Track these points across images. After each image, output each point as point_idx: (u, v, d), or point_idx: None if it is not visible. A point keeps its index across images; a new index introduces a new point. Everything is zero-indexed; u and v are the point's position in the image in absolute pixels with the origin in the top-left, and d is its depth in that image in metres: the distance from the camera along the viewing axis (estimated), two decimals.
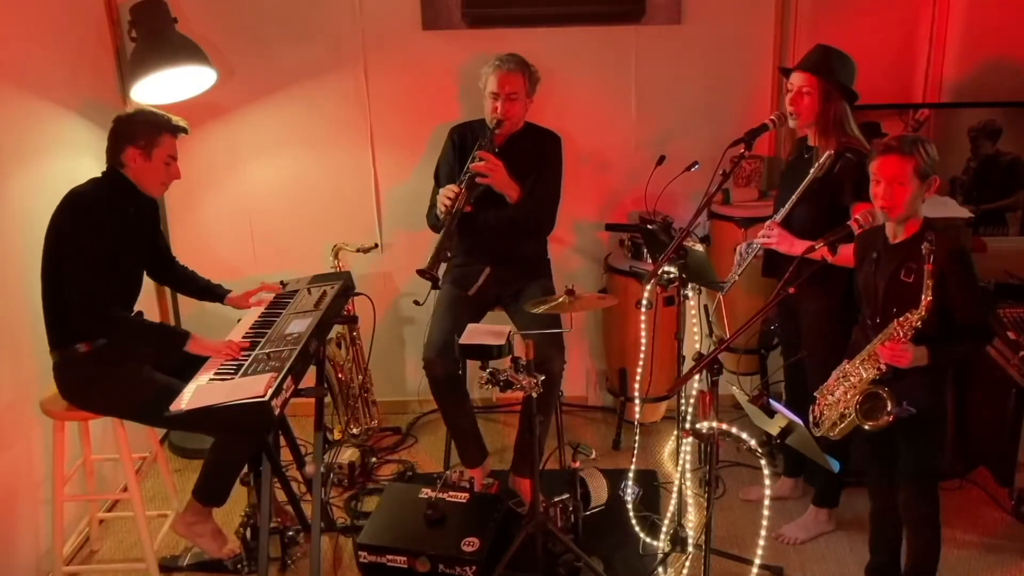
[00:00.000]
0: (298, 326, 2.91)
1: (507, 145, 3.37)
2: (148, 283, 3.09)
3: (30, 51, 3.08)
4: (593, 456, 3.23)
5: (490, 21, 3.69)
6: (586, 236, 3.99)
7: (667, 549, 3.04)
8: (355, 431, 3.89)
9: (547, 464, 3.35)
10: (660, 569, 2.99)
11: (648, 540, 3.18)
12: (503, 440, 3.95)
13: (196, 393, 2.58)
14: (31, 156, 3.07)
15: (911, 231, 2.52)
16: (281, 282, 3.33)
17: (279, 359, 2.70)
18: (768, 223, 2.95)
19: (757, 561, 2.75)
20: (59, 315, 2.76)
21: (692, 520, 3.13)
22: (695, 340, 3.13)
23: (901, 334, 2.43)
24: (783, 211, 2.91)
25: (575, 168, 3.68)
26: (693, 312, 3.10)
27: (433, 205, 3.42)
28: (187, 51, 3.36)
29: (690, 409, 3.11)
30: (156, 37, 3.33)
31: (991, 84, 3.66)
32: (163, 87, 3.37)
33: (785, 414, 2.37)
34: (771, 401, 2.42)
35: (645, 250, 3.61)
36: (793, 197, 2.86)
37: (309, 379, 2.88)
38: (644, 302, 3.15)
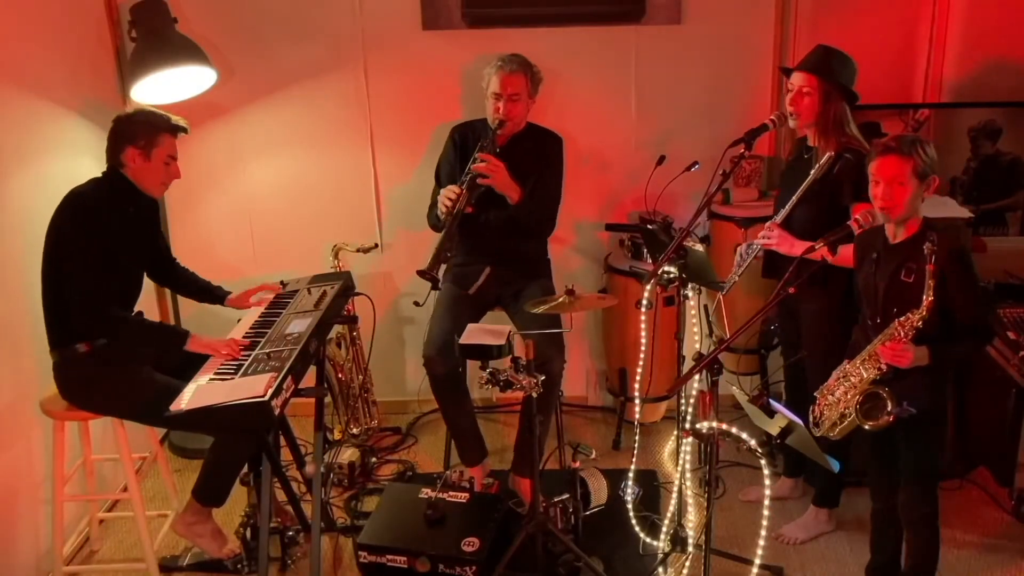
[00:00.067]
0: (298, 326, 2.91)
1: (509, 145, 3.37)
2: (148, 283, 3.09)
3: (30, 51, 3.08)
4: (593, 456, 3.23)
5: (490, 21, 3.69)
6: (586, 236, 3.99)
7: (667, 549, 3.04)
8: (355, 431, 3.89)
9: (547, 464, 3.35)
10: (660, 569, 2.99)
11: (648, 540, 3.18)
12: (503, 440, 3.95)
13: (196, 393, 2.58)
14: (31, 156, 3.07)
15: (911, 231, 2.52)
16: (281, 282, 3.33)
17: (279, 359, 2.70)
18: (768, 224, 2.95)
19: (757, 561, 2.75)
20: (59, 315, 2.76)
21: (692, 520, 3.13)
22: (695, 340, 3.13)
23: (902, 334, 2.43)
24: (783, 212, 2.91)
25: (575, 168, 3.68)
26: (693, 312, 3.10)
27: (434, 205, 3.42)
28: (187, 51, 3.36)
29: (690, 409, 3.11)
30: (156, 37, 3.33)
31: (991, 84, 3.66)
32: (163, 87, 3.37)
33: (785, 414, 2.37)
34: (771, 401, 2.42)
35: (645, 250, 3.61)
36: (793, 198, 2.86)
37: (309, 379, 2.88)
38: (644, 302, 3.15)
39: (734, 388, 2.90)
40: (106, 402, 2.83)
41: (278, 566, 3.09)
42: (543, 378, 2.74)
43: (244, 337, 2.91)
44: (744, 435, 2.56)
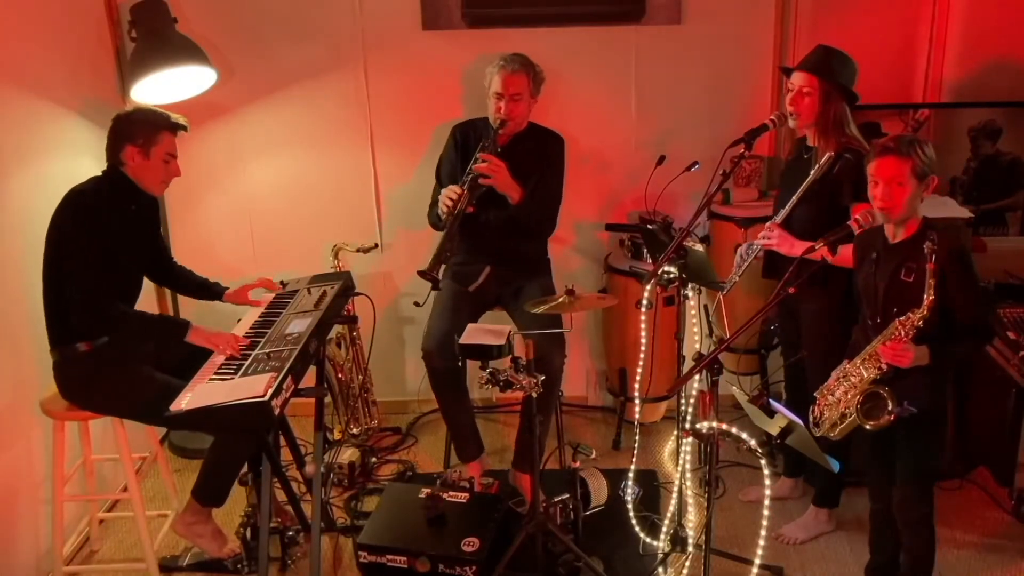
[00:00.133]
0: (298, 326, 2.91)
1: (510, 145, 3.37)
2: (148, 283, 3.09)
3: (30, 51, 3.08)
4: (593, 456, 3.23)
5: (490, 21, 3.69)
6: (586, 236, 3.99)
7: (667, 549, 3.04)
8: (355, 431, 3.89)
9: (547, 464, 3.35)
10: (660, 569, 2.99)
11: (648, 540, 3.18)
12: (503, 440, 3.95)
13: (196, 393, 2.58)
14: (31, 156, 3.07)
15: (911, 231, 2.52)
16: (281, 282, 3.32)
17: (279, 359, 2.69)
18: (768, 224, 2.95)
19: (757, 561, 2.75)
20: (60, 314, 2.76)
21: (692, 520, 3.13)
22: (695, 340, 3.13)
23: (902, 333, 2.43)
24: (783, 212, 2.91)
25: (575, 168, 3.67)
26: (693, 312, 3.10)
27: (434, 203, 3.42)
28: (187, 51, 3.36)
29: (690, 409, 3.11)
30: (156, 37, 3.33)
31: (991, 84, 3.67)
32: (163, 87, 3.37)
33: (785, 414, 2.37)
34: (771, 401, 2.42)
35: (645, 250, 3.61)
36: (793, 198, 2.86)
37: (309, 379, 2.88)
38: (644, 302, 3.15)
39: (734, 388, 2.90)
40: (106, 401, 2.83)
41: (278, 566, 3.09)
42: (543, 378, 2.74)
43: (244, 337, 2.91)
44: (744, 435, 2.56)
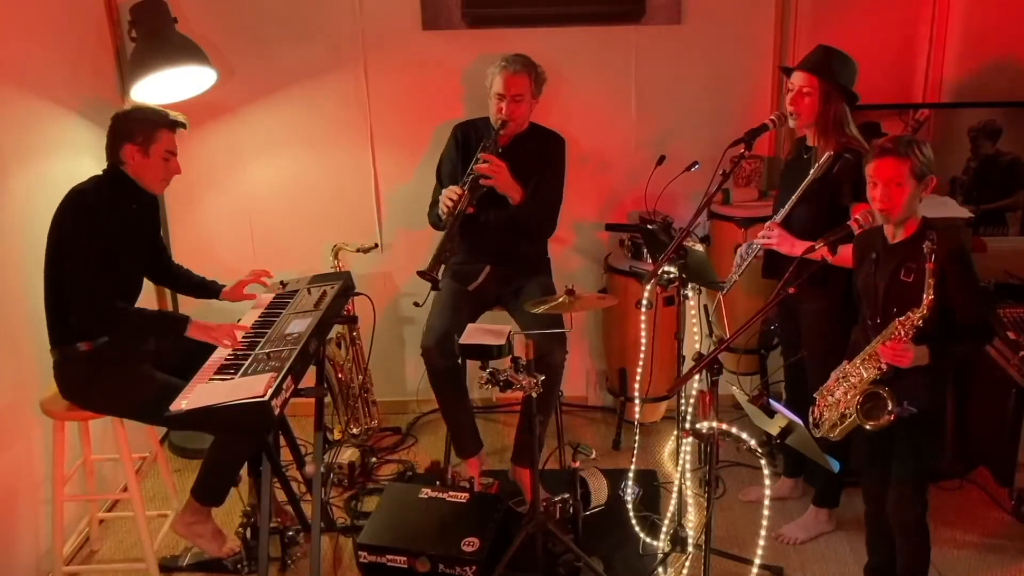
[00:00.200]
0: (298, 326, 2.91)
1: (511, 146, 3.37)
2: (148, 283, 3.09)
3: (30, 51, 3.08)
4: (593, 456, 3.24)
5: (490, 21, 3.69)
6: (586, 236, 3.99)
7: (667, 549, 3.04)
8: (355, 431, 3.89)
9: (547, 464, 3.35)
10: (660, 569, 2.99)
11: (648, 540, 3.18)
12: (503, 440, 3.95)
13: (196, 393, 2.58)
14: (31, 156, 3.07)
15: (910, 231, 2.53)
16: (281, 282, 3.32)
17: (279, 359, 2.69)
18: (768, 224, 2.95)
19: (757, 561, 2.75)
20: (60, 313, 2.76)
21: (692, 520, 3.13)
22: (695, 340, 3.13)
23: (902, 333, 2.43)
24: (783, 211, 2.91)
25: (575, 168, 3.67)
26: (693, 312, 3.10)
27: (435, 203, 3.42)
28: (187, 51, 3.36)
29: (690, 409, 3.11)
30: (156, 37, 3.33)
31: (991, 84, 3.67)
32: (163, 87, 3.37)
33: (785, 414, 2.37)
34: (771, 401, 2.42)
35: (645, 250, 3.61)
36: (793, 198, 2.86)
37: (309, 379, 2.88)
38: (644, 302, 3.15)
39: (734, 388, 2.90)
40: (106, 401, 2.83)
41: (278, 566, 3.09)
42: (543, 377, 2.74)
43: (244, 337, 2.91)
44: (744, 435, 2.56)
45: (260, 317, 3.08)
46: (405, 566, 2.91)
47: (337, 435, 3.87)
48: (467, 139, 3.46)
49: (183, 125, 2.88)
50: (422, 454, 3.87)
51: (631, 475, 3.42)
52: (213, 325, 2.84)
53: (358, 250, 3.76)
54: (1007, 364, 3.11)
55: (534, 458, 2.87)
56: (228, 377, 2.66)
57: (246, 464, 2.95)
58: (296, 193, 3.92)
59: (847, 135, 2.88)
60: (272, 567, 3.05)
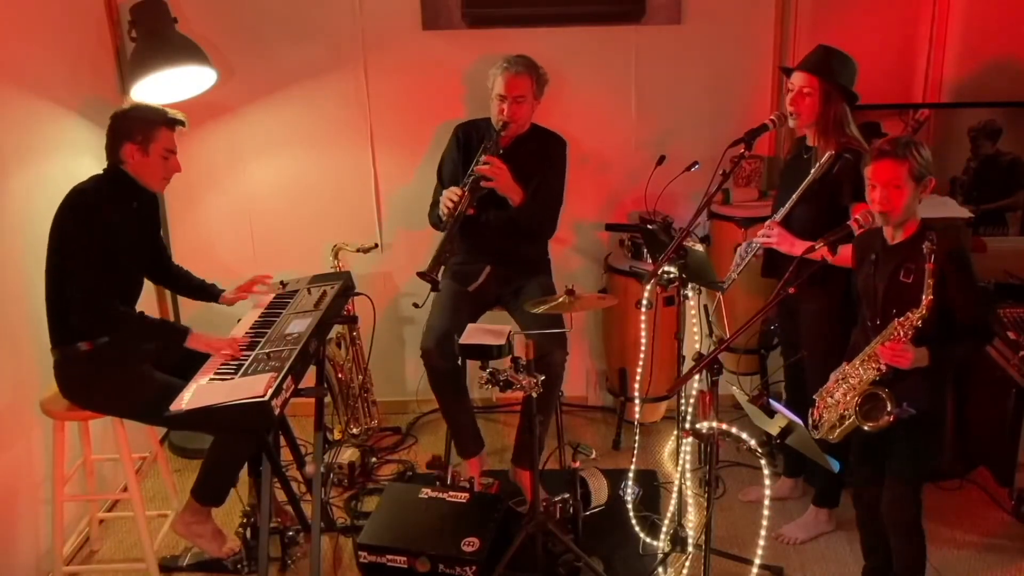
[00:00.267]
0: (298, 326, 2.91)
1: (512, 147, 3.37)
2: (148, 284, 3.09)
3: (30, 51, 3.08)
4: (593, 456, 3.23)
5: (490, 21, 3.69)
6: (586, 236, 3.99)
7: (667, 549, 3.04)
8: (355, 431, 3.89)
9: (547, 464, 3.35)
10: (660, 569, 2.99)
11: (648, 540, 3.18)
12: (503, 440, 3.95)
13: (196, 393, 2.58)
14: (31, 156, 3.07)
15: (909, 232, 2.53)
16: (281, 282, 3.32)
17: (279, 359, 2.70)
18: (768, 223, 2.95)
19: (757, 561, 2.75)
20: (61, 313, 2.76)
21: (692, 520, 3.13)
22: (695, 340, 3.13)
23: (901, 334, 2.43)
24: (783, 211, 2.91)
25: (575, 168, 3.67)
26: (693, 312, 3.10)
27: (436, 203, 3.42)
28: (187, 51, 3.36)
29: (690, 409, 3.11)
30: (156, 37, 3.33)
31: (991, 84, 3.67)
32: (163, 87, 3.37)
33: (785, 414, 2.37)
34: (771, 401, 2.42)
35: (645, 250, 3.61)
36: (793, 197, 2.87)
37: (309, 379, 2.88)
38: (644, 302, 3.15)
39: (734, 388, 2.90)
40: (106, 401, 2.83)
41: (278, 566, 3.09)
42: (543, 377, 2.74)
43: (244, 337, 2.91)
44: (744, 435, 2.56)
45: (260, 317, 3.08)
46: (405, 566, 2.91)
47: (337, 435, 3.87)
48: (468, 139, 3.46)
49: (182, 123, 2.88)
50: (422, 454, 3.87)
51: (631, 475, 3.42)
52: (213, 338, 2.84)
53: (358, 250, 3.76)
54: (1007, 364, 3.11)
55: (534, 458, 2.87)
56: (228, 377, 2.66)
57: (246, 464, 2.95)
58: (296, 193, 3.92)
59: (847, 135, 2.88)
60: (272, 567, 3.05)
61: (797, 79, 2.90)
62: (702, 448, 3.47)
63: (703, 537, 2.66)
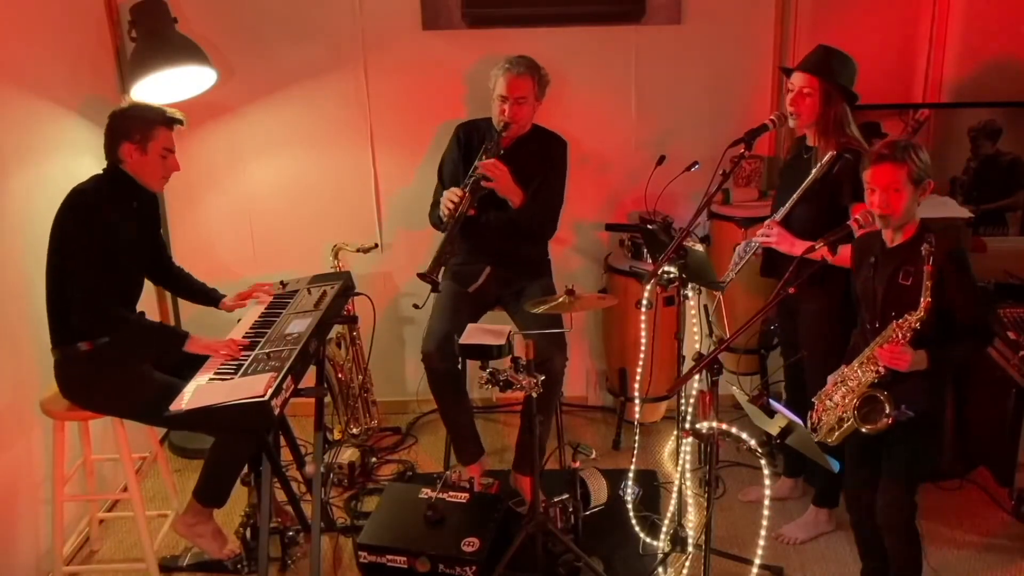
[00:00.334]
0: (298, 326, 2.91)
1: (513, 147, 3.37)
2: (148, 285, 3.09)
3: (30, 51, 3.08)
4: (593, 456, 3.23)
5: (490, 21, 3.69)
6: (586, 236, 3.99)
7: (667, 549, 3.04)
8: (355, 431, 3.89)
9: (547, 464, 3.35)
10: (660, 569, 3.00)
11: (648, 540, 3.18)
12: (503, 440, 3.95)
13: (196, 393, 2.58)
14: (31, 156, 3.07)
15: (908, 234, 2.53)
16: (281, 282, 3.32)
17: (279, 359, 2.70)
18: (767, 222, 2.95)
19: (757, 561, 2.75)
20: (61, 313, 2.76)
21: (692, 520, 3.13)
22: (695, 340, 3.13)
23: (900, 336, 2.43)
24: (783, 211, 2.91)
25: (575, 168, 3.67)
26: (693, 312, 3.10)
27: (436, 203, 3.41)
28: (187, 51, 3.36)
29: (690, 409, 3.11)
30: (156, 37, 3.33)
31: (991, 84, 3.66)
32: (163, 87, 3.37)
33: (785, 414, 2.37)
34: (771, 401, 2.42)
35: (645, 250, 3.61)
36: (793, 197, 2.87)
37: (309, 379, 2.88)
38: (644, 302, 3.15)
39: (734, 388, 2.90)
40: (106, 401, 2.83)
41: (278, 566, 3.09)
42: (543, 378, 2.74)
43: (244, 337, 2.91)
44: (744, 435, 2.56)
45: (260, 317, 3.08)
46: (405, 566, 2.91)
47: (337, 435, 3.87)
48: (469, 139, 3.46)
49: (180, 122, 2.87)
50: (422, 454, 3.87)
51: (631, 475, 3.42)
52: (212, 340, 2.84)
53: (358, 250, 3.76)
54: (1007, 364, 3.11)
55: (535, 460, 2.87)
56: (228, 377, 2.66)
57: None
58: (296, 193, 3.92)
59: (847, 135, 2.88)
60: (272, 567, 3.05)
61: (797, 79, 2.90)
62: (702, 448, 3.47)
63: (703, 537, 2.66)
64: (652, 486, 3.54)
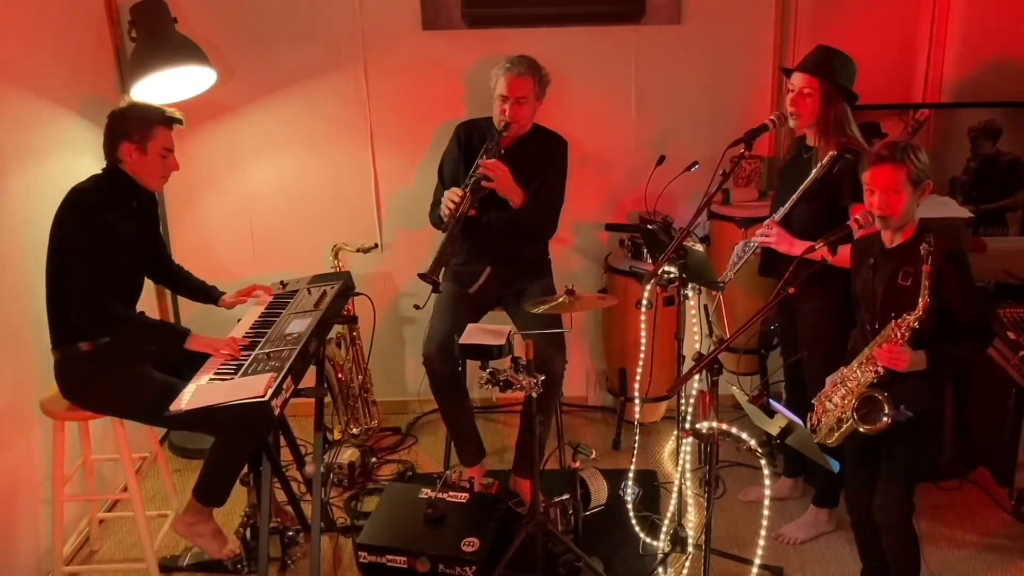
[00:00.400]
0: (298, 326, 2.91)
1: (514, 147, 3.37)
2: (148, 284, 3.09)
3: (30, 51, 3.08)
4: (593, 456, 3.23)
5: (490, 21, 3.69)
6: (586, 236, 3.99)
7: (667, 549, 3.04)
8: (355, 431, 3.89)
9: (547, 464, 3.35)
10: (660, 569, 2.99)
11: (648, 540, 3.18)
12: (503, 440, 3.95)
13: (196, 393, 2.58)
14: (31, 156, 3.07)
15: (907, 235, 2.53)
16: (281, 282, 3.32)
17: (279, 359, 2.69)
18: (767, 222, 2.95)
19: (757, 561, 2.75)
20: (61, 313, 2.76)
21: (692, 520, 3.13)
22: (695, 340, 3.13)
23: (898, 335, 2.43)
24: (782, 210, 2.91)
25: (575, 168, 3.67)
26: (693, 312, 3.10)
27: (437, 203, 3.41)
28: (187, 51, 3.36)
29: (690, 409, 3.11)
30: (156, 37, 3.33)
31: (991, 84, 3.67)
32: (163, 87, 3.37)
33: (785, 414, 2.37)
34: (771, 401, 2.42)
35: (645, 250, 3.61)
36: (793, 197, 2.86)
37: (309, 379, 2.88)
38: (644, 302, 3.15)
39: (734, 388, 2.90)
40: (106, 401, 2.83)
41: (278, 566, 3.09)
42: (543, 378, 2.74)
43: (244, 337, 2.91)
44: (744, 435, 2.56)
45: (260, 317, 3.08)
46: (405, 566, 2.91)
47: (337, 435, 3.87)
48: (470, 139, 3.45)
49: (179, 121, 2.87)
50: (422, 454, 3.87)
51: (631, 475, 3.42)
52: (212, 338, 2.84)
53: (358, 250, 3.76)
54: (1007, 364, 3.11)
55: (535, 461, 2.87)
56: (228, 377, 2.66)
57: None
58: (296, 193, 3.92)
59: (848, 135, 2.88)
60: (272, 567, 3.05)
61: (797, 80, 2.90)
62: (702, 448, 3.47)
63: (703, 537, 2.66)
64: (652, 486, 3.54)
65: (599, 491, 3.28)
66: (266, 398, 2.47)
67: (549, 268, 3.62)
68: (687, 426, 3.05)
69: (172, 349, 2.83)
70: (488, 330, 2.99)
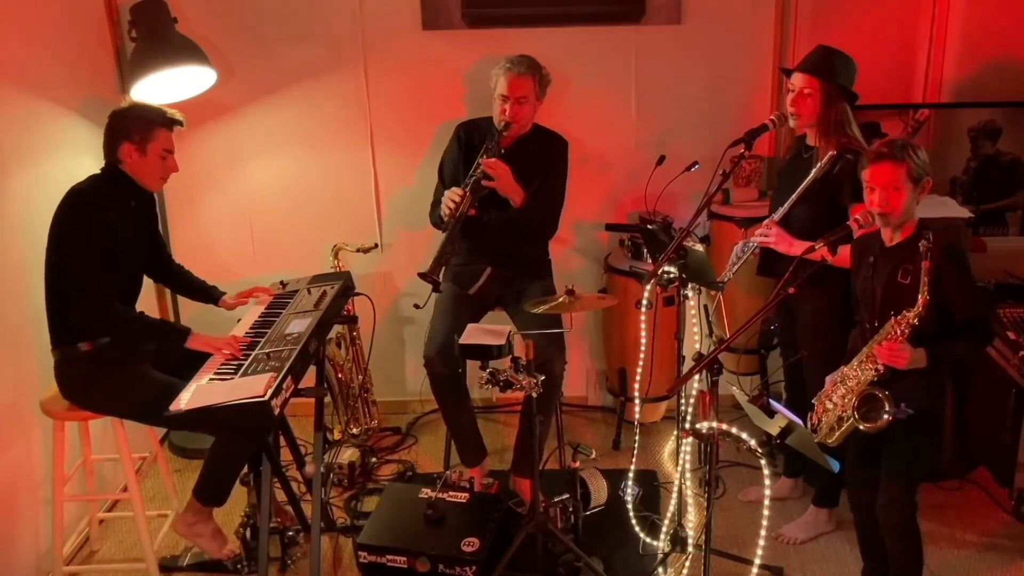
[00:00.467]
0: (298, 326, 2.91)
1: (514, 147, 3.37)
2: (148, 283, 3.09)
3: (30, 51, 3.08)
4: (593, 456, 3.23)
5: (490, 21, 3.69)
6: (586, 236, 3.99)
7: (667, 549, 3.04)
8: (355, 431, 3.89)
9: (547, 464, 3.35)
10: (660, 569, 2.99)
11: (648, 540, 3.18)
12: (503, 440, 3.95)
13: (196, 393, 2.58)
14: (31, 156, 3.07)
15: (907, 233, 2.53)
16: (281, 282, 3.32)
17: (279, 359, 2.69)
18: (766, 222, 2.95)
19: (757, 561, 2.75)
20: (61, 313, 2.76)
21: (692, 520, 3.13)
22: (695, 340, 3.13)
23: (898, 333, 2.43)
24: (782, 210, 2.91)
25: (575, 168, 3.67)
26: (693, 312, 3.10)
27: (437, 203, 3.41)
28: (187, 51, 3.36)
29: (690, 409, 3.11)
30: (156, 37, 3.33)
31: (991, 84, 3.67)
32: (163, 87, 3.37)
33: (785, 414, 2.37)
34: (771, 401, 2.42)
35: (645, 250, 3.61)
36: (793, 197, 2.86)
37: (309, 379, 2.88)
38: (644, 302, 3.15)
39: (734, 388, 2.90)
40: (106, 401, 2.83)
41: (278, 566, 3.09)
42: (543, 378, 2.74)
43: (244, 336, 2.91)
44: (744, 435, 2.56)
45: (260, 317, 3.08)
46: (405, 566, 2.91)
47: (337, 435, 3.87)
48: (470, 139, 3.45)
49: (180, 123, 2.87)
50: (422, 454, 3.87)
51: (631, 475, 3.42)
52: (213, 337, 2.84)
53: (358, 250, 3.76)
54: (1007, 364, 3.11)
55: (535, 461, 2.87)
56: (228, 377, 2.66)
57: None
58: (296, 193, 3.92)
59: (848, 135, 2.88)
60: (272, 567, 3.05)
61: (797, 80, 2.90)
62: (702, 448, 3.47)
63: (703, 537, 2.66)
64: (652, 486, 3.54)
65: (599, 491, 3.28)
66: (266, 398, 2.47)
67: (549, 268, 3.62)
68: (687, 426, 3.05)
69: (173, 348, 2.83)
70: (488, 330, 2.99)
